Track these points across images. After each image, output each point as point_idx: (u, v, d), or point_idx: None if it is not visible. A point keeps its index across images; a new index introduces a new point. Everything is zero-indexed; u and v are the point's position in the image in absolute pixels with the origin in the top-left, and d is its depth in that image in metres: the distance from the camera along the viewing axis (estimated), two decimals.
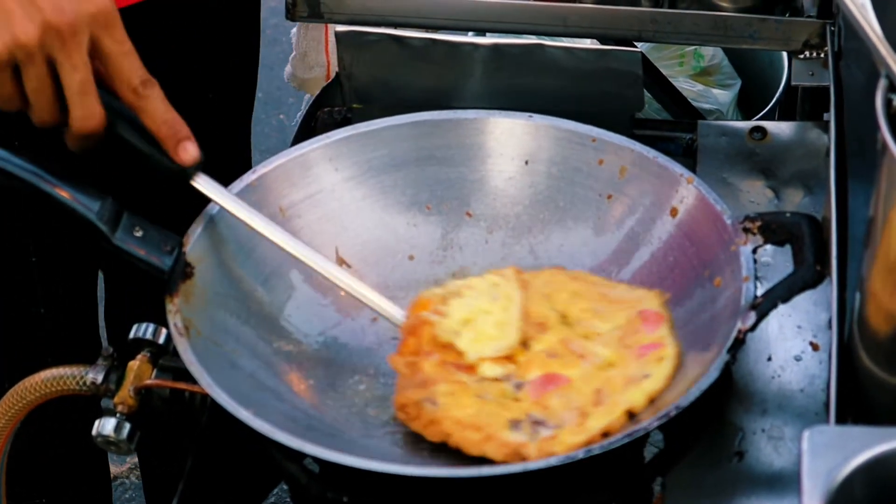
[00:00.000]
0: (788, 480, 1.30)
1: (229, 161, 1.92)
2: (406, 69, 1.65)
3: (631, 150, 1.51)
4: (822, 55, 1.69)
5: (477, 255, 1.53)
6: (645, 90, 1.74)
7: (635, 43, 1.83)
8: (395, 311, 1.43)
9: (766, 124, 1.68)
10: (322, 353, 1.45)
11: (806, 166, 1.63)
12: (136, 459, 2.77)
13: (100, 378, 1.39)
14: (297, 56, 2.53)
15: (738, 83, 2.70)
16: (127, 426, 1.37)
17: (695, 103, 2.37)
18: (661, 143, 1.66)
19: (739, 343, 1.30)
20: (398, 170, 1.55)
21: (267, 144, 3.52)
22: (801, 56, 1.71)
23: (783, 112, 2.46)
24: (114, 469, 2.79)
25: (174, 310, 1.37)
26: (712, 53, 2.67)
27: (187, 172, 1.42)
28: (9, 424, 1.46)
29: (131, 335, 1.40)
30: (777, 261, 1.47)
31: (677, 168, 1.48)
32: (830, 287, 1.29)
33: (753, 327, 1.31)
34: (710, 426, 1.35)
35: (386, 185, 1.55)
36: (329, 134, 1.55)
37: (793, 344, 1.42)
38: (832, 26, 1.66)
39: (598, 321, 1.41)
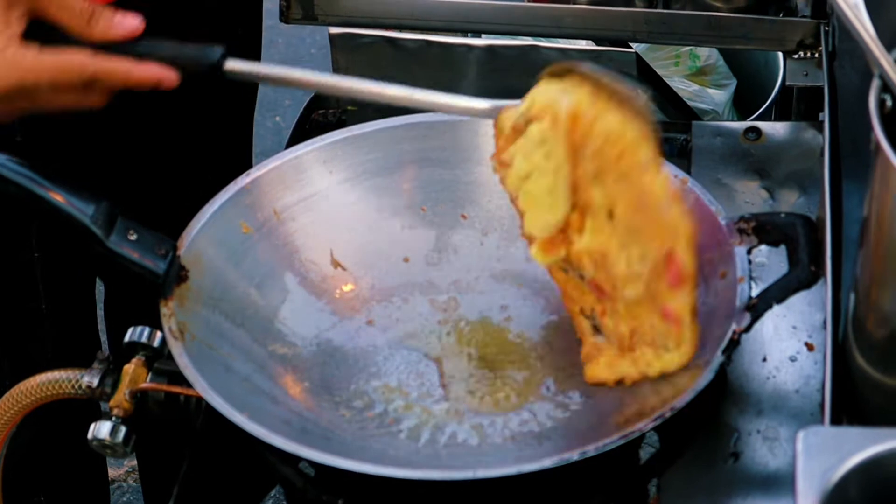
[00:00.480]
0: (783, 481, 1.30)
1: (231, 162, 1.92)
2: (400, 71, 1.66)
3: None
4: (817, 55, 1.69)
5: (472, 258, 1.53)
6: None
7: (631, 44, 1.83)
8: (478, 103, 1.39)
9: (761, 125, 1.68)
10: (317, 357, 1.44)
11: (800, 166, 1.63)
12: (134, 462, 2.77)
13: (95, 382, 1.39)
14: None
15: (734, 83, 2.69)
16: (123, 430, 1.38)
17: (690, 103, 2.36)
18: None
19: (734, 344, 1.30)
20: (392, 172, 1.55)
21: (263, 146, 3.50)
22: (796, 56, 1.71)
23: (780, 112, 2.46)
24: (112, 472, 2.78)
25: (169, 313, 1.37)
26: (708, 53, 2.66)
27: (214, 63, 1.38)
28: (4, 428, 1.46)
29: (126, 339, 1.40)
30: (772, 261, 1.46)
31: (671, 169, 1.47)
32: (825, 287, 1.29)
33: (748, 328, 1.31)
34: (706, 427, 1.35)
35: (380, 188, 1.55)
36: (323, 136, 1.55)
37: (788, 345, 1.42)
38: (826, 26, 1.66)
39: (633, 244, 1.34)
